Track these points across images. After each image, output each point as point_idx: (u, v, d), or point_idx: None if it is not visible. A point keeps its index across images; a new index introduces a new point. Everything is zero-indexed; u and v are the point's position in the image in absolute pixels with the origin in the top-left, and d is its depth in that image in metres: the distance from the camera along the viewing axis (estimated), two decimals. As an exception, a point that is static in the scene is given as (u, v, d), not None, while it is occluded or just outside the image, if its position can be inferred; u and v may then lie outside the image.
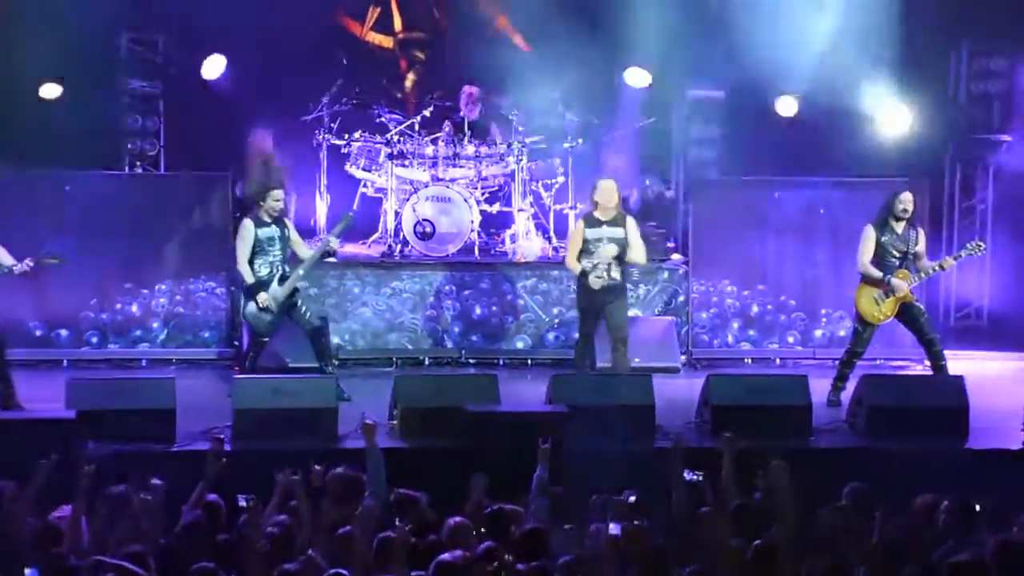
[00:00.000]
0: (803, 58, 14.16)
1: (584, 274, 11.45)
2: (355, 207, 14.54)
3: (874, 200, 13.42)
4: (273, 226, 11.57)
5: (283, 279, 11.55)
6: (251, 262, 11.52)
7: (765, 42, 14.31)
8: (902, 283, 11.56)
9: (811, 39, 14.10)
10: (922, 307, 11.86)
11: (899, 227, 11.63)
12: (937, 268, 11.82)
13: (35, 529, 7.56)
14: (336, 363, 11.99)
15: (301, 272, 11.65)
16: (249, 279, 11.54)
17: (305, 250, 11.88)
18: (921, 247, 11.71)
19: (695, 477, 8.20)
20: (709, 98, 14.88)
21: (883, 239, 11.62)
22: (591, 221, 11.54)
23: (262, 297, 11.49)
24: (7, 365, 11.12)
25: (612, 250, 11.40)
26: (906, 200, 11.62)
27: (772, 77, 14.55)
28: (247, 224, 11.59)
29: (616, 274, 11.43)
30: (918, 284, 11.81)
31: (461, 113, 14.73)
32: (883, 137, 14.49)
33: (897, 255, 11.61)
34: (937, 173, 14.96)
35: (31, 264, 11.08)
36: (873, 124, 14.53)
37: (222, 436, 9.00)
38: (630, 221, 11.63)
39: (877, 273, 11.59)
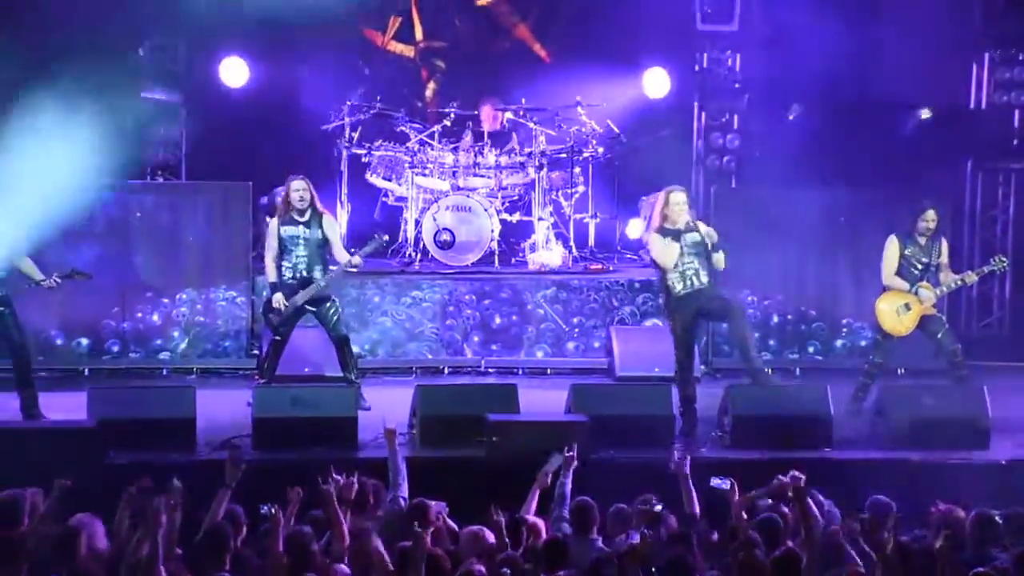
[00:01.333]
0: (822, 68, 14.16)
1: (669, 289, 11.03)
2: (376, 216, 14.60)
3: (894, 210, 13.41)
4: (301, 226, 11.51)
5: (304, 284, 11.54)
6: (278, 262, 11.56)
7: (784, 51, 14.34)
8: (929, 294, 11.53)
9: (833, 48, 14.10)
10: (943, 319, 11.81)
11: (922, 239, 11.60)
12: (959, 282, 11.75)
13: (56, 536, 7.58)
14: (357, 372, 11.97)
15: (322, 284, 11.56)
16: (268, 278, 11.64)
17: (342, 253, 11.68)
18: (944, 259, 11.66)
19: (723, 485, 8.17)
20: (728, 107, 14.90)
21: (907, 251, 11.58)
22: (667, 233, 10.98)
23: (277, 297, 11.53)
24: (31, 373, 11.16)
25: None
26: (929, 218, 11.54)
27: (791, 86, 14.57)
28: (272, 223, 11.66)
29: (704, 278, 11.03)
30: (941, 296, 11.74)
31: (482, 122, 14.75)
32: (903, 146, 14.48)
33: (919, 267, 11.58)
34: (958, 182, 14.94)
35: (58, 280, 11.19)
36: (894, 133, 14.54)
37: (239, 444, 9.00)
38: (700, 225, 11.12)
39: (903, 284, 11.56)
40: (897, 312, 11.58)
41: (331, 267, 11.65)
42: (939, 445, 10.48)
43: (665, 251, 10.96)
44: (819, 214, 13.77)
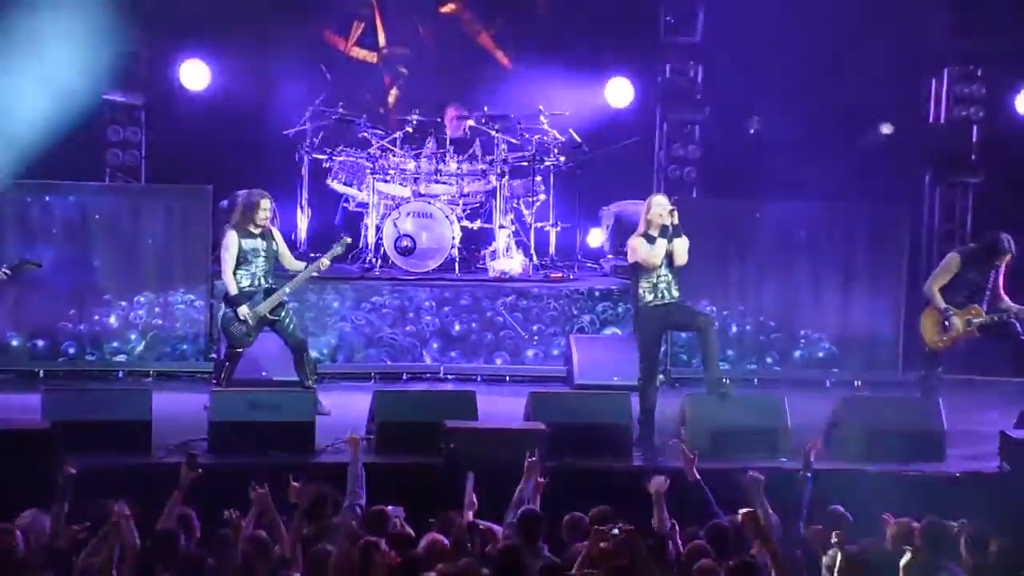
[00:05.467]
0: (782, 80, 14.24)
1: (639, 298, 10.93)
2: (336, 221, 14.57)
3: (854, 222, 13.51)
4: (258, 238, 11.51)
5: (268, 293, 11.50)
6: (234, 273, 11.49)
7: (746, 63, 14.41)
8: (959, 323, 11.42)
9: (795, 61, 14.18)
10: (996, 319, 11.52)
11: (986, 269, 11.51)
12: (1014, 315, 11.42)
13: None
14: (316, 377, 11.94)
15: (287, 289, 11.57)
16: (232, 290, 11.51)
17: (292, 262, 11.74)
18: (999, 283, 11.53)
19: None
20: (690, 118, 14.96)
21: (967, 275, 11.49)
22: (651, 239, 10.89)
23: (243, 310, 11.44)
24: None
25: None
26: (1003, 260, 11.44)
27: (753, 98, 14.64)
28: (232, 235, 11.51)
29: (675, 292, 10.94)
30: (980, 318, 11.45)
31: (444, 129, 14.75)
32: (863, 159, 14.57)
33: (969, 291, 11.49)
34: (916, 196, 15.04)
35: (7, 272, 11.10)
36: (853, 146, 14.63)
37: (195, 451, 8.97)
38: (683, 240, 10.95)
39: (940, 304, 11.47)
40: (939, 327, 11.49)
41: (290, 273, 11.68)
42: (893, 457, 10.53)
43: (649, 253, 10.83)
44: (779, 225, 13.80)
